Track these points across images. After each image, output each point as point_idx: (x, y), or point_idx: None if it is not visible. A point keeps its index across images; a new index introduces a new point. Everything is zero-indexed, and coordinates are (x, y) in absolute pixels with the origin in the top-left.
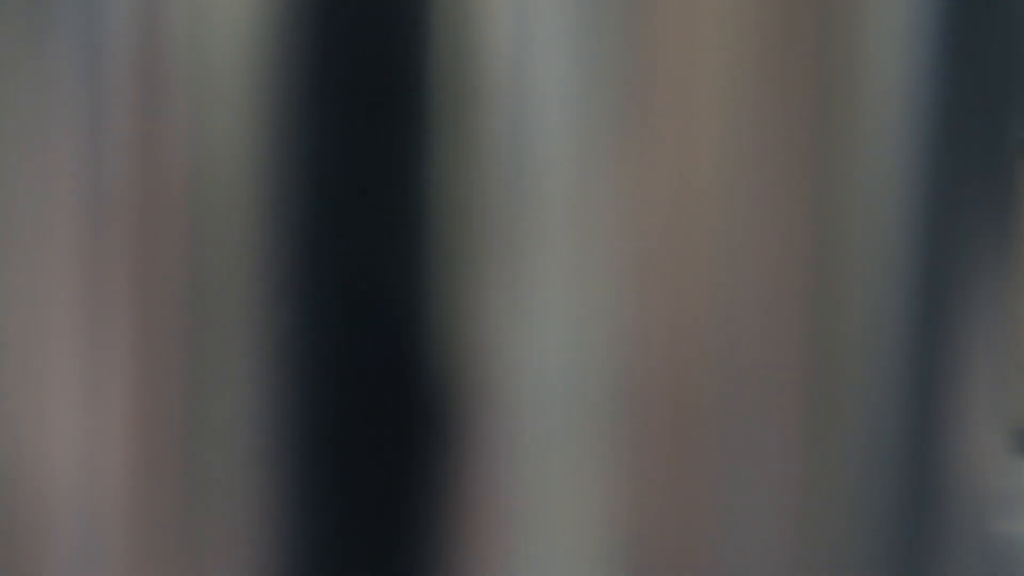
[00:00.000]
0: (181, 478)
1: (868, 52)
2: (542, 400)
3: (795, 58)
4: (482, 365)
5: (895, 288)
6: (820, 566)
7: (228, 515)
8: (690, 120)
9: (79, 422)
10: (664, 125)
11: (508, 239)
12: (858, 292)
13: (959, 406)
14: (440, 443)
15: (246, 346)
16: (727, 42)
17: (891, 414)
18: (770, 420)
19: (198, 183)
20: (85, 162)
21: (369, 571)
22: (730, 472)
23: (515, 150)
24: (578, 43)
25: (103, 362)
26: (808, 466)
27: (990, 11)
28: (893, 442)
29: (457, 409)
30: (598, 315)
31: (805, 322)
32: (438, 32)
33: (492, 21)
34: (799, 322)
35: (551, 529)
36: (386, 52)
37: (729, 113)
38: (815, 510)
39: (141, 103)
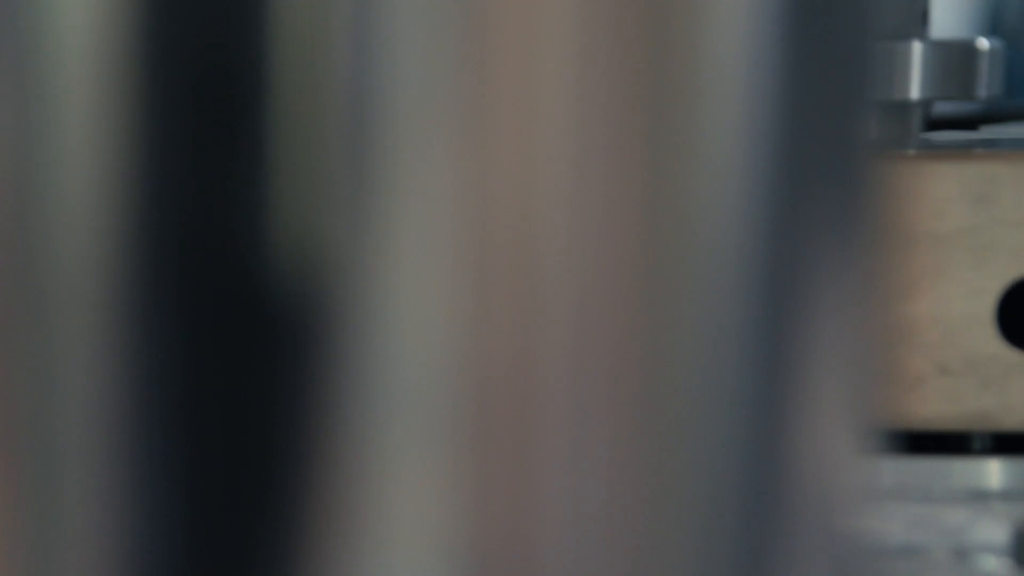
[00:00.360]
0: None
1: (711, 48)
2: (380, 397)
3: (637, 54)
4: (324, 362)
5: (741, 288)
6: (665, 565)
7: (72, 514)
8: (532, 113)
9: None
10: (505, 117)
11: (350, 220)
12: (703, 292)
13: (808, 406)
14: (283, 443)
15: (88, 329)
16: (569, 33)
17: (737, 414)
18: (614, 420)
19: (27, 170)
20: None
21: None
22: (573, 472)
23: (356, 137)
24: (418, 27)
25: None
26: (653, 466)
27: (835, 10)
28: (738, 442)
29: (298, 405)
30: (439, 314)
31: (648, 321)
32: (276, 19)
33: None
34: (642, 321)
35: (390, 526)
36: (223, 37)
37: (571, 106)
38: (660, 510)
39: None
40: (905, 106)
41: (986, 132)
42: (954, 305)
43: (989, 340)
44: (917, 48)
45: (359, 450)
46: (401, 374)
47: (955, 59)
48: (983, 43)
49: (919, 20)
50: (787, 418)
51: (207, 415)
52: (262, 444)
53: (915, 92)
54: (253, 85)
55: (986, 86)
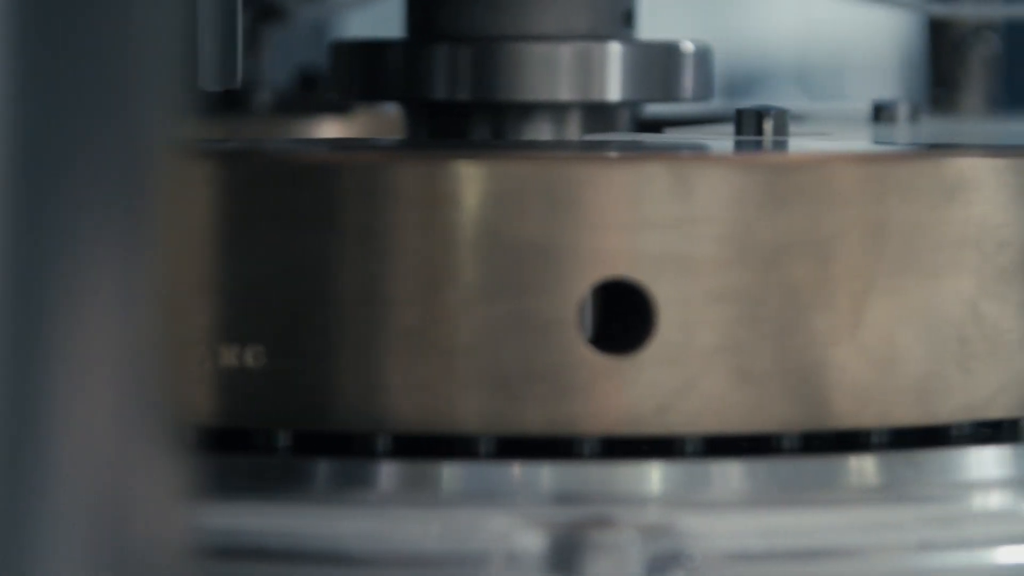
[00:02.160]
0: None
1: None
2: None
3: None
4: None
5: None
6: None
7: None
8: None
9: None
10: None
11: None
12: None
13: (76, 408)
14: None
15: None
16: None
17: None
18: None
19: None
20: None
21: None
22: None
23: None
24: None
25: None
26: None
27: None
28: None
29: None
30: None
31: None
32: None
33: None
34: None
35: None
36: None
37: None
38: None
39: None
40: (605, 107)
41: (668, 135)
42: (538, 310)
43: (574, 345)
44: (615, 49)
45: None
46: None
47: (658, 61)
48: (688, 45)
49: (620, 21)
50: (48, 420)
51: None
52: None
53: (614, 94)
54: None
55: (691, 88)
